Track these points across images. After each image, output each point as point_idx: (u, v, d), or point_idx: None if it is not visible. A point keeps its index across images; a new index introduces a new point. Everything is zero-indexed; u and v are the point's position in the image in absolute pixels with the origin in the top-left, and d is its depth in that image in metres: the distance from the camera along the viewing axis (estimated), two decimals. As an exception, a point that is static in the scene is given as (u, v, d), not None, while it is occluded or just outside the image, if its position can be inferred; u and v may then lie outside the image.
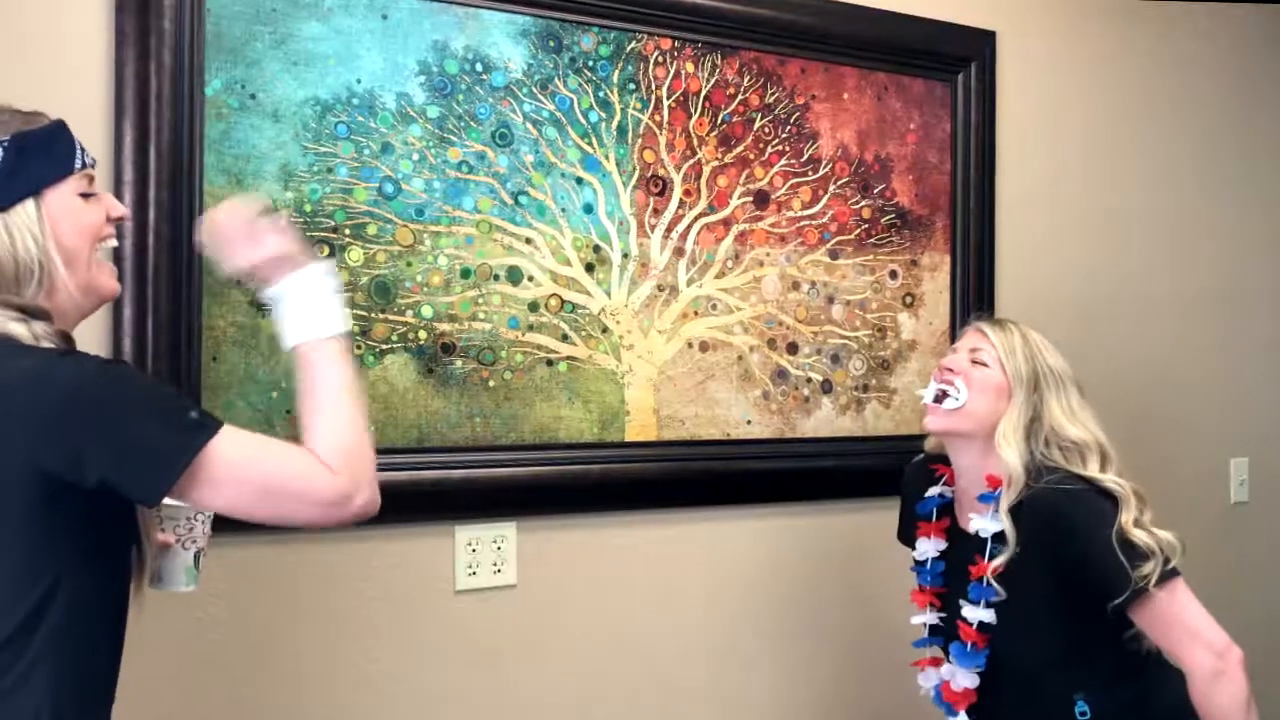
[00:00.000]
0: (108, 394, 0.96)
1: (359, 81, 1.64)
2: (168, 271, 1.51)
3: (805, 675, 2.04)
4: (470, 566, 1.73)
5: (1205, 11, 2.58)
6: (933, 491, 1.64)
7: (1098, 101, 2.40)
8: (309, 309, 1.12)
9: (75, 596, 0.97)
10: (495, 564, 1.75)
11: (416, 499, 1.66)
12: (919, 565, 1.64)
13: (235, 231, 1.13)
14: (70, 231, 1.03)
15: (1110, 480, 1.48)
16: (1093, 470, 1.49)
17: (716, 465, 1.92)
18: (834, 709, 2.06)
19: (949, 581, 1.59)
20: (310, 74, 1.61)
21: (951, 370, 1.56)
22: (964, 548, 1.56)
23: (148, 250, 1.49)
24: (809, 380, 2.02)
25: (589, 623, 1.83)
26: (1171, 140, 2.52)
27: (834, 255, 2.05)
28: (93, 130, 1.47)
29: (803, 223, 2.01)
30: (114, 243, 1.11)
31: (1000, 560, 1.47)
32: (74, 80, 1.48)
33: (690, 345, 1.90)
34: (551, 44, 1.78)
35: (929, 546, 1.62)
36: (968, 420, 1.53)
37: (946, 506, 1.63)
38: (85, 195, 1.06)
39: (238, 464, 0.99)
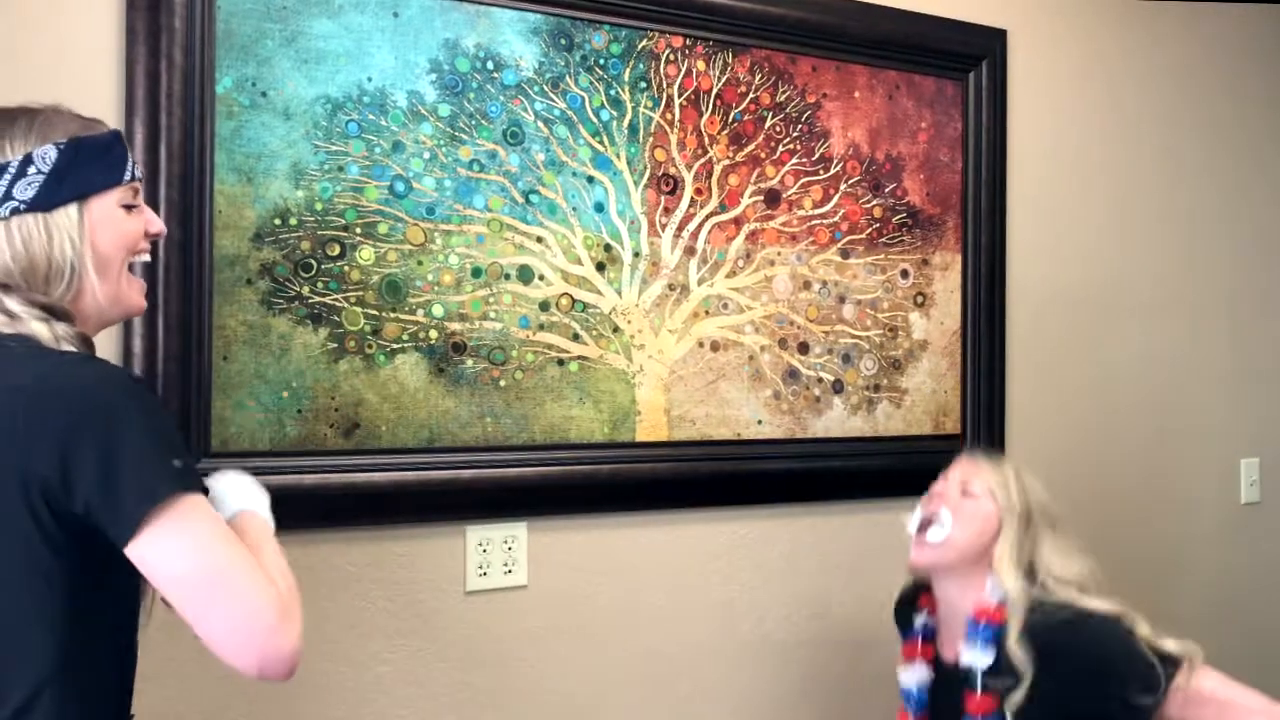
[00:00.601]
0: (120, 408, 0.94)
1: (370, 79, 1.63)
2: (178, 270, 1.50)
3: (817, 677, 2.03)
4: (481, 567, 1.72)
5: (1217, 10, 2.57)
6: (918, 622, 1.61)
7: (1110, 100, 2.39)
8: (246, 491, 1.13)
9: (86, 615, 0.96)
10: (506, 564, 1.74)
11: (427, 499, 1.65)
12: (905, 690, 1.60)
13: None
14: (107, 240, 1.04)
15: (1109, 606, 1.45)
16: (1091, 599, 1.47)
17: (727, 465, 1.91)
18: (846, 710, 2.05)
19: (934, 714, 1.56)
20: (321, 72, 1.60)
21: (940, 498, 1.54)
22: (949, 680, 1.52)
23: (158, 249, 1.48)
24: (820, 380, 2.01)
25: (600, 623, 1.82)
26: (1184, 139, 2.51)
27: (845, 254, 2.04)
28: (103, 128, 1.47)
29: (814, 222, 2.00)
30: (147, 257, 1.12)
31: (1018, 695, 1.41)
32: (84, 78, 1.47)
33: (701, 345, 1.90)
34: (563, 42, 1.77)
35: (913, 675, 1.58)
36: (951, 552, 1.51)
37: (930, 635, 1.60)
38: (128, 207, 1.07)
39: (197, 531, 0.94)
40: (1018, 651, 1.42)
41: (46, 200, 1.00)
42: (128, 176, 1.07)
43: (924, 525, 1.53)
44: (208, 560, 0.94)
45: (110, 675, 1.02)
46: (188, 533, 0.94)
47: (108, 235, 1.04)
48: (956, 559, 1.51)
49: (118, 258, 1.05)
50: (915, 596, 1.65)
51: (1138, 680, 1.39)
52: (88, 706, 0.98)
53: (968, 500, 1.53)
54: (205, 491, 0.99)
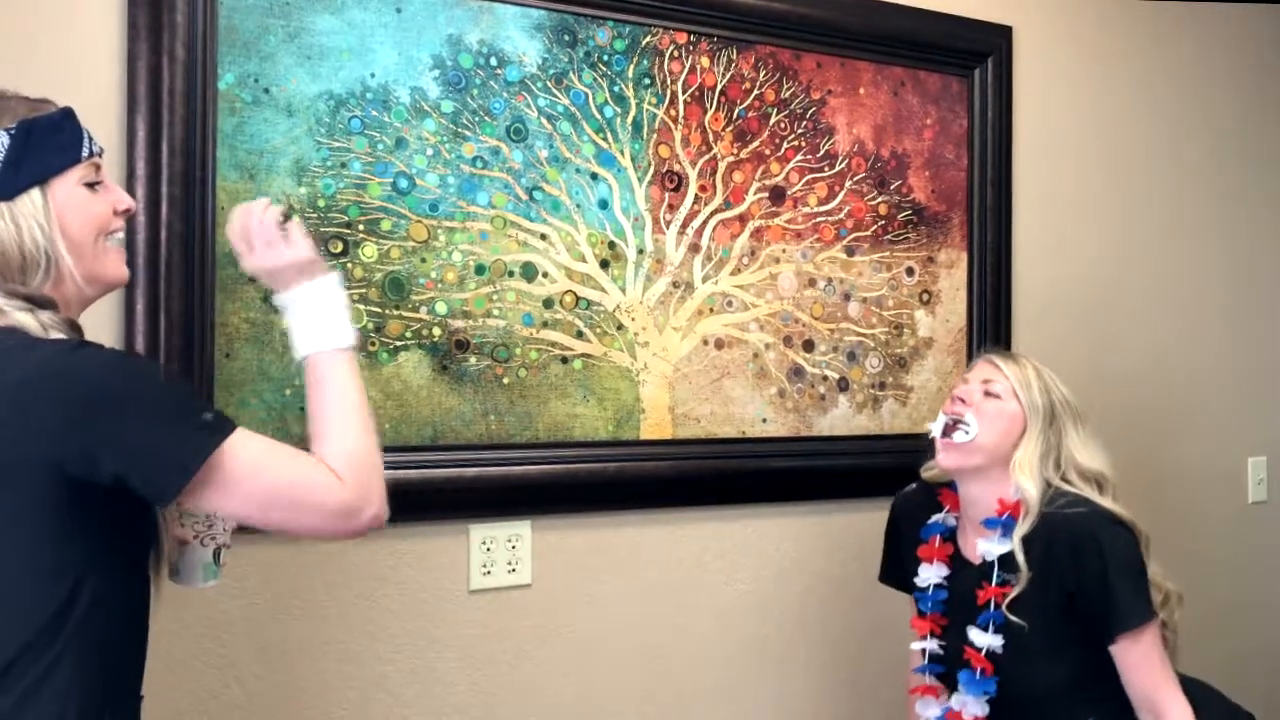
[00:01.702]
0: (124, 389, 0.95)
1: (373, 76, 1.62)
2: (180, 267, 1.49)
3: (822, 675, 2.02)
4: (485, 565, 1.71)
5: (1226, 7, 2.55)
6: (936, 518, 1.62)
7: (1116, 97, 2.38)
8: (319, 320, 1.13)
9: (97, 593, 0.96)
10: (510, 563, 1.73)
11: (430, 497, 1.65)
12: (920, 591, 1.60)
13: (254, 233, 1.13)
14: (76, 222, 1.02)
15: (1125, 513, 1.48)
16: (1107, 500, 1.50)
17: (732, 464, 1.90)
18: (852, 709, 2.04)
19: (950, 610, 1.57)
20: (324, 68, 1.59)
21: (963, 401, 1.55)
22: (967, 576, 1.55)
23: (160, 245, 1.48)
24: (825, 378, 2.00)
25: (603, 622, 1.81)
26: (1191, 137, 2.49)
27: (850, 252, 2.03)
28: (105, 125, 1.46)
29: (819, 219, 1.99)
30: (121, 235, 1.09)
31: (1018, 589, 1.45)
32: (86, 74, 1.47)
33: (705, 342, 1.89)
34: (566, 38, 1.76)
35: (931, 573, 1.59)
36: (979, 454, 1.52)
37: (949, 534, 1.61)
38: (91, 185, 1.04)
39: (249, 469, 0.98)
40: (1019, 549, 1.45)
41: (6, 189, 0.98)
42: (85, 153, 1.04)
43: (948, 429, 1.53)
44: (266, 491, 1.00)
45: (125, 652, 1.02)
46: (239, 474, 0.97)
47: (75, 217, 1.02)
48: (984, 460, 1.52)
49: (89, 239, 1.03)
50: (926, 500, 1.65)
51: (1119, 592, 1.41)
52: (102, 684, 0.98)
53: (990, 401, 1.53)
54: (233, 427, 0.99)
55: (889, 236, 2.07)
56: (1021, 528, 1.47)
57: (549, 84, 1.75)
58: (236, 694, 1.55)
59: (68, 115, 1.05)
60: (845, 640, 2.03)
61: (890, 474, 2.02)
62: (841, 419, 2.02)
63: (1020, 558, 1.46)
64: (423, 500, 1.64)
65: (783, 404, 1.96)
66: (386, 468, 1.60)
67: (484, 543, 1.71)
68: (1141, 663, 1.43)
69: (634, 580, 1.84)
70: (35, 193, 1.00)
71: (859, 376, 2.04)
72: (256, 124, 1.55)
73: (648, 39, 1.83)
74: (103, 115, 1.46)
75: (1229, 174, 2.56)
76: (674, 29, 1.85)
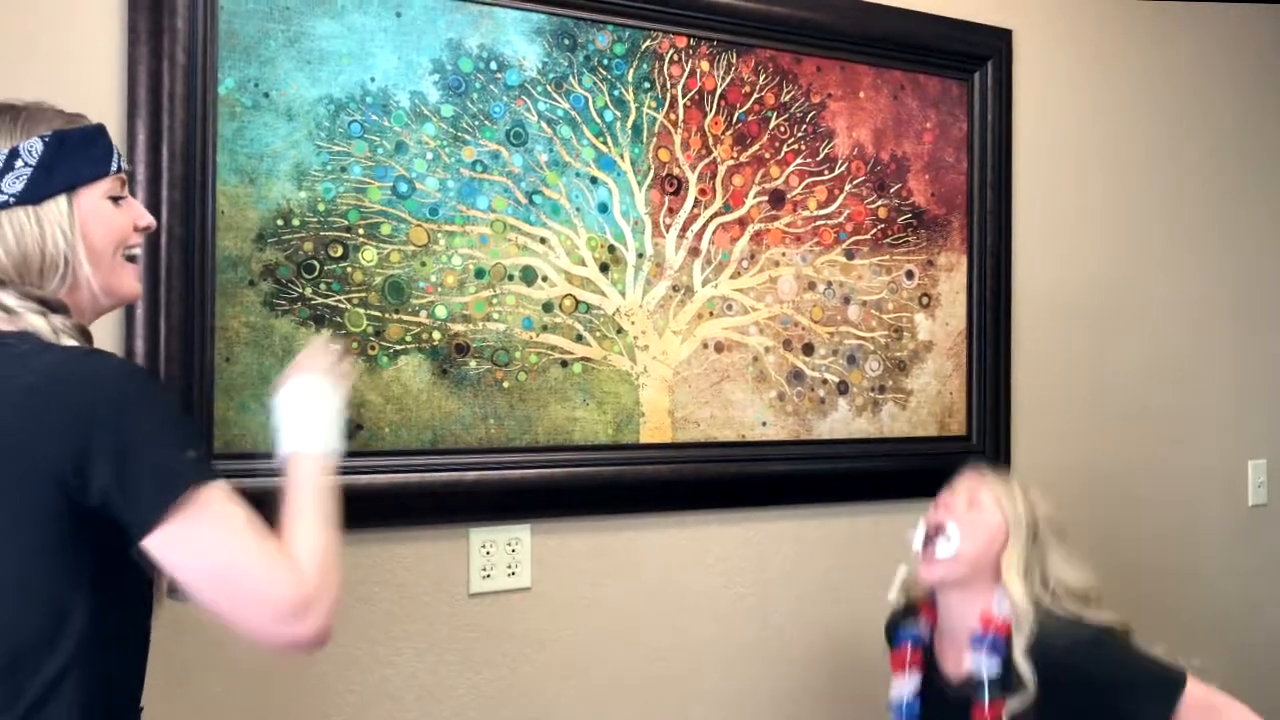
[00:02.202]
0: (131, 399, 0.95)
1: (373, 80, 1.63)
2: (180, 271, 1.49)
3: (822, 679, 2.02)
4: (484, 569, 1.71)
5: (1228, 8, 2.55)
6: (911, 629, 1.59)
7: (1116, 100, 2.38)
8: (306, 420, 1.11)
9: (100, 605, 0.96)
10: (509, 566, 1.73)
11: (430, 501, 1.65)
12: (895, 708, 1.58)
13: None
14: (98, 232, 1.04)
15: (1116, 622, 1.46)
16: (1094, 612, 1.48)
17: (732, 467, 1.90)
18: (853, 714, 2.04)
19: None
20: (324, 72, 1.59)
21: (946, 510, 1.54)
22: (949, 693, 1.52)
23: (160, 249, 1.48)
24: (825, 381, 2.00)
25: (603, 626, 1.81)
26: (1192, 139, 2.49)
27: (850, 255, 2.03)
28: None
29: (818, 222, 1.99)
30: (139, 250, 1.11)
31: (1022, 706, 1.41)
32: (86, 78, 1.47)
33: (705, 346, 1.89)
34: (566, 42, 1.77)
35: (905, 687, 1.56)
36: (960, 566, 1.50)
37: (924, 646, 1.58)
38: (116, 199, 1.07)
39: (219, 521, 0.95)
40: (1024, 664, 1.41)
41: (35, 193, 1.01)
42: (114, 168, 1.07)
43: (929, 539, 1.52)
44: (223, 556, 0.95)
45: (127, 662, 1.03)
46: (204, 527, 0.95)
47: (98, 228, 1.04)
48: (966, 572, 1.50)
49: (109, 250, 1.05)
50: (908, 613, 1.63)
51: (1154, 689, 1.40)
52: (105, 695, 0.98)
53: (974, 512, 1.52)
54: (215, 476, 0.98)
55: (889, 240, 2.07)
56: (1019, 642, 1.43)
57: (549, 88, 1.75)
58: (237, 699, 1.55)
59: (101, 131, 1.08)
60: (846, 646, 2.03)
61: (890, 477, 2.04)
62: (841, 422, 2.01)
63: (1024, 672, 1.41)
64: (422, 504, 1.64)
65: (782, 407, 1.96)
66: (387, 471, 1.62)
67: (484, 546, 1.71)
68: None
69: (634, 584, 1.84)
70: (62, 199, 1.02)
71: (859, 380, 2.04)
72: (256, 128, 1.55)
73: (648, 43, 1.83)
74: (103, 119, 1.42)
75: (1230, 176, 2.56)
76: (674, 33, 1.85)
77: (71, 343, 0.99)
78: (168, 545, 0.94)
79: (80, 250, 1.02)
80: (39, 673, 0.93)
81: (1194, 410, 2.50)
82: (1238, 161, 2.57)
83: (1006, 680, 1.43)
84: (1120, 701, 1.40)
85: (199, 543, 0.95)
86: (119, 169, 1.08)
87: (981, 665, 1.45)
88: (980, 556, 1.50)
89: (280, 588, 0.96)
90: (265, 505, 1.49)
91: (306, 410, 1.11)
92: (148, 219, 1.11)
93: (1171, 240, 2.46)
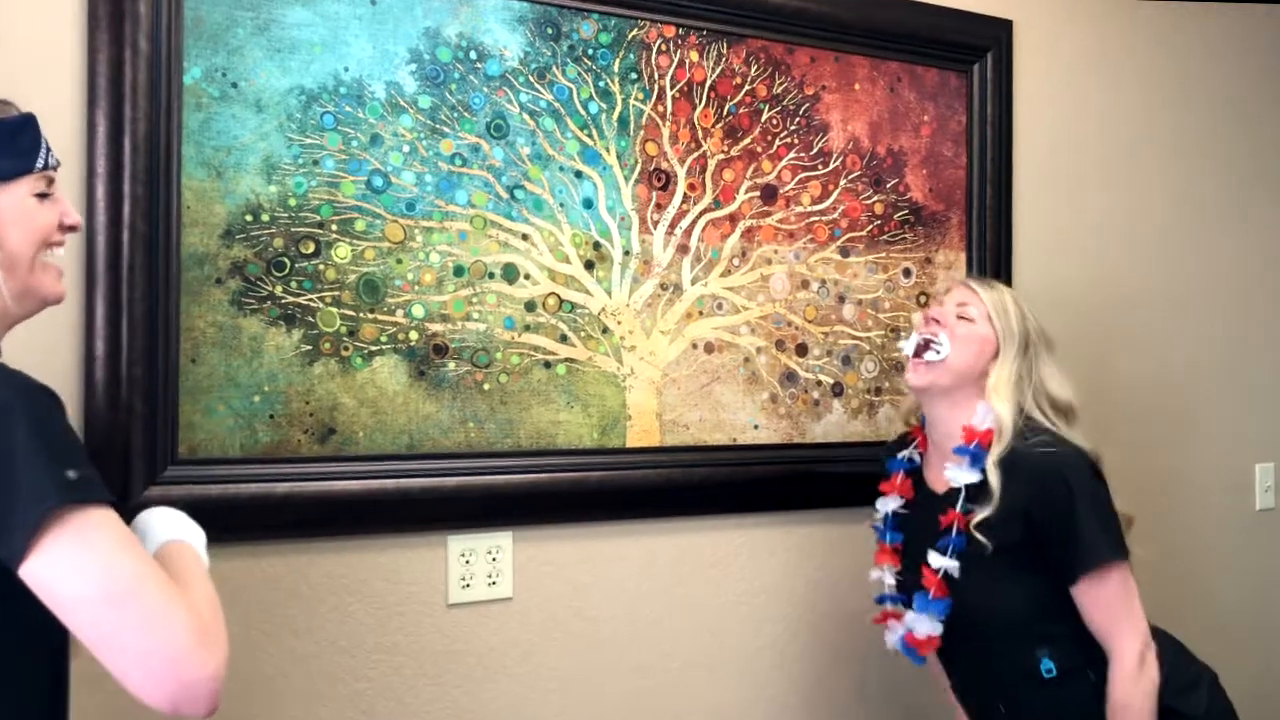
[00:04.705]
0: (16, 413, 0.86)
1: (346, 70, 1.56)
2: (143, 269, 1.43)
3: (817, 687, 1.95)
4: (464, 579, 1.65)
5: (1227, 4, 2.49)
6: (902, 454, 1.66)
7: (1118, 93, 2.32)
8: (184, 527, 1.06)
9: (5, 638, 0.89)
10: (490, 576, 1.67)
11: (407, 508, 1.58)
12: (877, 524, 1.67)
13: None
14: (17, 233, 0.96)
15: (1089, 446, 1.50)
16: (1076, 433, 1.52)
17: (722, 472, 1.83)
18: (845, 726, 1.98)
19: (910, 541, 1.61)
20: (295, 62, 1.53)
21: (937, 321, 1.57)
22: (931, 506, 1.57)
23: (122, 246, 1.42)
24: (819, 383, 1.94)
25: (588, 637, 1.75)
26: (1195, 135, 2.43)
27: (845, 252, 1.96)
28: (63, 120, 1.40)
29: (812, 218, 1.93)
30: (62, 251, 1.04)
31: (986, 513, 1.46)
32: (43, 67, 1.40)
33: (695, 346, 1.82)
34: (549, 31, 1.70)
35: (888, 503, 1.64)
36: (948, 374, 1.54)
37: (914, 469, 1.65)
38: (41, 196, 0.99)
39: (102, 547, 0.85)
40: (993, 473, 1.46)
41: None
42: (40, 164, 0.99)
43: (920, 349, 1.56)
44: (109, 578, 0.84)
45: (41, 702, 0.95)
46: (85, 547, 0.85)
47: (17, 228, 0.96)
48: (952, 382, 1.54)
49: (28, 253, 0.98)
50: (899, 442, 1.70)
51: (1087, 550, 1.43)
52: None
53: (964, 324, 1.55)
54: (113, 504, 0.89)
55: (885, 237, 2.00)
56: (995, 452, 1.48)
57: (531, 79, 1.69)
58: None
59: (28, 122, 1.00)
60: (840, 656, 1.97)
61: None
62: (836, 425, 1.95)
63: (993, 480, 1.46)
64: (399, 511, 1.58)
65: (775, 410, 1.89)
66: (362, 477, 1.56)
67: (463, 555, 1.65)
68: (1104, 603, 1.45)
69: (620, 593, 1.77)
70: None
71: (854, 381, 1.97)
72: (224, 120, 1.49)
73: (634, 32, 1.77)
74: (61, 111, 1.40)
75: (1238, 171, 2.49)
76: (662, 22, 1.79)
77: None
78: (43, 568, 0.83)
79: None
80: None
81: (1200, 412, 2.44)
82: (1246, 155, 2.51)
83: (984, 490, 1.48)
84: (1058, 537, 1.44)
85: (77, 566, 0.84)
86: (46, 165, 1.00)
87: (957, 474, 1.50)
88: (969, 369, 1.54)
89: (177, 614, 0.85)
90: (233, 512, 1.46)
91: (176, 523, 1.06)
92: (74, 217, 1.04)
93: (1177, 237, 2.40)
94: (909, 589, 1.59)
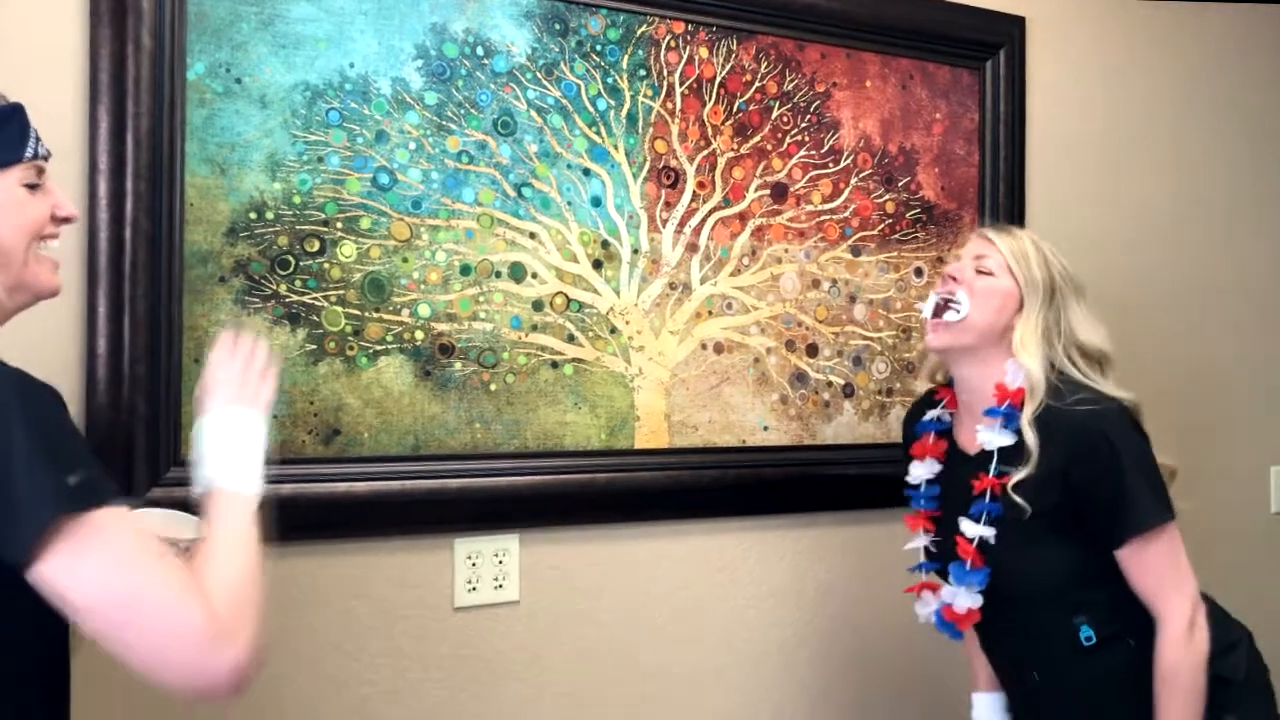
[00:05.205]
0: (14, 413, 0.84)
1: (352, 66, 1.54)
2: (146, 267, 1.41)
3: (826, 693, 1.93)
4: (470, 581, 1.63)
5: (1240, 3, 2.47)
6: (930, 415, 1.58)
7: (1133, 88, 2.29)
8: (237, 455, 1.03)
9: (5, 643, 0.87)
10: (496, 579, 1.65)
11: (412, 510, 1.56)
12: (913, 489, 1.57)
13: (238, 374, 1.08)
14: (7, 224, 0.94)
15: (1129, 398, 1.43)
16: (1110, 383, 1.45)
17: (731, 474, 1.81)
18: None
19: (944, 505, 1.53)
20: (300, 57, 1.51)
21: (954, 279, 1.49)
22: (963, 469, 1.49)
23: (124, 244, 1.40)
24: (830, 384, 1.91)
25: (595, 640, 1.73)
26: (1210, 133, 2.40)
27: (856, 252, 1.94)
28: (65, 116, 1.39)
29: (823, 217, 1.91)
30: (56, 243, 1.01)
31: (1023, 474, 1.38)
32: (46, 62, 1.39)
33: (704, 347, 1.80)
34: (557, 27, 1.68)
35: (923, 469, 1.56)
36: (969, 333, 1.45)
37: (945, 430, 1.57)
38: (31, 187, 0.97)
39: (110, 548, 0.85)
40: (1029, 432, 1.38)
41: None
42: (29, 153, 0.97)
43: (939, 309, 1.47)
44: (116, 584, 0.84)
45: (42, 695, 0.93)
46: (89, 555, 0.84)
47: (7, 220, 0.94)
48: (975, 340, 1.46)
49: (20, 245, 0.95)
50: (926, 401, 1.61)
51: (1132, 513, 1.36)
52: None
53: (983, 278, 1.47)
54: (118, 501, 0.88)
55: (896, 236, 1.98)
56: (1029, 410, 1.40)
57: (539, 75, 1.67)
58: (206, 717, 1.47)
59: (15, 111, 0.97)
60: (851, 658, 1.94)
61: (898, 483, 1.93)
62: (846, 427, 1.93)
63: (1029, 440, 1.38)
64: (404, 513, 1.56)
65: (785, 411, 1.87)
66: (367, 478, 1.54)
67: (469, 557, 1.63)
68: (1151, 566, 1.39)
69: (628, 597, 1.75)
70: None
71: (865, 382, 1.95)
72: (228, 116, 1.47)
73: (643, 28, 1.75)
74: (63, 106, 1.39)
75: (1256, 168, 2.46)
76: (671, 18, 1.77)
77: None
78: (51, 574, 0.83)
79: None
80: None
81: (1214, 414, 2.41)
82: (1262, 154, 2.47)
83: (1019, 451, 1.40)
84: (1103, 500, 1.37)
85: (85, 570, 0.83)
86: (36, 155, 0.97)
87: (990, 437, 1.43)
88: (991, 325, 1.45)
89: (188, 613, 0.85)
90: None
91: (230, 447, 1.03)
92: (68, 209, 1.01)
93: (1191, 235, 2.37)
94: (943, 556, 1.52)
